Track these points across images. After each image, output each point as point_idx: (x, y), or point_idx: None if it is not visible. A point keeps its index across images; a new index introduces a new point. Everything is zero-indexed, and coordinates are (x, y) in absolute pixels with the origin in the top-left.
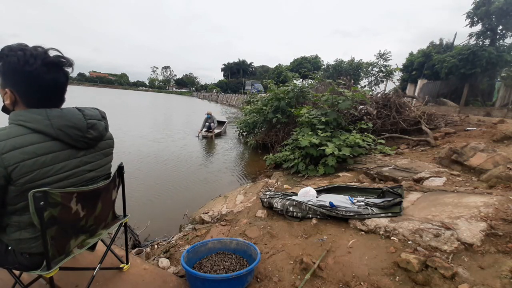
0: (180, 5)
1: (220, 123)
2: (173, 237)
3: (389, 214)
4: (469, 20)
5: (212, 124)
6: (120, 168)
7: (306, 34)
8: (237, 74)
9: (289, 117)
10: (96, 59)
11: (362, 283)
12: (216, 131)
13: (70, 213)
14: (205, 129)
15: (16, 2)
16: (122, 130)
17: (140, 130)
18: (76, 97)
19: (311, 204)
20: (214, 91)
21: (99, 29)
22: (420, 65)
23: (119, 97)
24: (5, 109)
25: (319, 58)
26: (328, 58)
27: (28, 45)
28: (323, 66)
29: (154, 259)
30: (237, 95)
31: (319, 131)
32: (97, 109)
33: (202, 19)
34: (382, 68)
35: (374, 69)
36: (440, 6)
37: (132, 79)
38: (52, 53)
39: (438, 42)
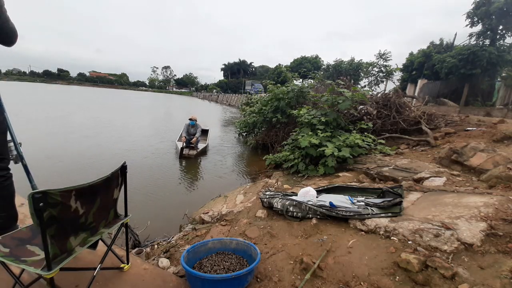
0: (182, 8)
1: (204, 133)
2: (173, 237)
3: (389, 214)
4: (469, 20)
5: (192, 136)
6: (123, 168)
7: (305, 35)
8: (237, 74)
9: (289, 117)
10: (98, 60)
11: (362, 283)
12: (201, 145)
13: (69, 211)
14: (184, 144)
15: (18, 3)
16: (123, 131)
17: (141, 132)
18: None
19: (311, 204)
20: (214, 91)
21: (103, 31)
22: (420, 65)
23: (116, 96)
24: None
25: (319, 58)
26: (326, 59)
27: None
28: (323, 66)
29: (154, 259)
30: (237, 95)
31: (319, 131)
32: None
33: (204, 20)
34: (382, 68)
35: (374, 69)
36: (434, 9)
37: (132, 79)
38: None
39: (438, 42)
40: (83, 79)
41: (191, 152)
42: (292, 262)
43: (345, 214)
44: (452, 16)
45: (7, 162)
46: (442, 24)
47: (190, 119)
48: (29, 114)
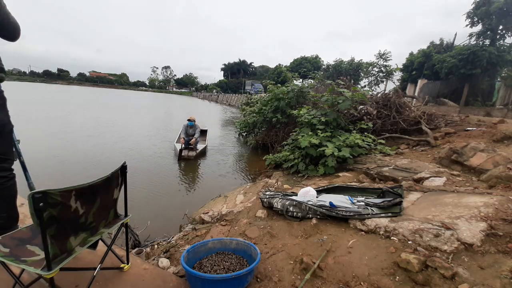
0: (182, 8)
1: (202, 133)
2: (173, 237)
3: (389, 214)
4: (469, 20)
5: (191, 137)
6: (123, 168)
7: (305, 35)
8: (237, 74)
9: (289, 117)
10: (98, 60)
11: (362, 283)
12: (200, 146)
13: (69, 211)
14: (183, 146)
15: (21, 4)
16: (124, 131)
17: (142, 132)
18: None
19: (311, 204)
20: (214, 91)
21: (103, 31)
22: (420, 65)
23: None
24: None
25: (319, 58)
26: (326, 59)
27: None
28: (323, 66)
29: (154, 259)
30: (237, 95)
31: (319, 131)
32: None
33: (204, 21)
34: (382, 68)
35: (374, 69)
36: (434, 9)
37: (132, 79)
38: None
39: (438, 42)
40: (83, 79)
41: (190, 154)
42: (292, 262)
43: (345, 214)
44: (452, 17)
45: (11, 163)
46: (443, 24)
47: (188, 120)
48: (30, 114)
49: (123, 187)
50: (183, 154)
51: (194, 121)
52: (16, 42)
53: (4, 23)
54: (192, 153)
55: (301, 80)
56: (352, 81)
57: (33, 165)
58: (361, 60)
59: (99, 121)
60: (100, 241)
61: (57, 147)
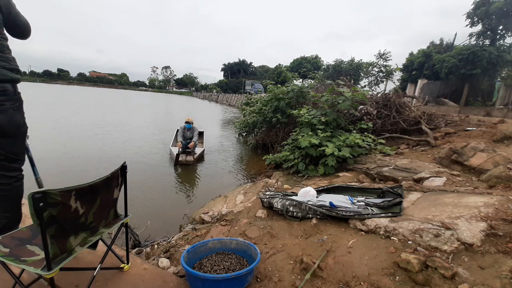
0: (182, 8)
1: (200, 135)
2: (173, 237)
3: (389, 214)
4: (469, 20)
5: (189, 140)
6: (123, 168)
7: (305, 35)
8: (237, 74)
9: (289, 117)
10: (98, 60)
11: (362, 283)
12: (198, 150)
13: (69, 211)
14: (180, 150)
15: (22, 5)
16: (130, 130)
17: (145, 131)
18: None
19: (311, 204)
20: (214, 91)
21: (103, 31)
22: (420, 65)
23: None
24: None
25: (319, 58)
26: (326, 59)
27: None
28: (323, 66)
29: (154, 259)
30: (237, 95)
31: (319, 131)
32: None
33: (204, 21)
34: (382, 68)
35: (374, 69)
36: (431, 10)
37: (132, 79)
38: None
39: (438, 42)
40: (83, 79)
41: (188, 158)
42: (292, 262)
43: (345, 214)
44: (451, 17)
45: (21, 163)
46: (442, 24)
47: (186, 122)
48: (35, 113)
49: (123, 187)
50: (180, 159)
51: (192, 123)
52: (26, 40)
53: (15, 23)
54: (190, 158)
55: (301, 80)
56: (352, 81)
57: (47, 163)
58: (361, 60)
59: (105, 120)
60: (100, 241)
61: (69, 146)
